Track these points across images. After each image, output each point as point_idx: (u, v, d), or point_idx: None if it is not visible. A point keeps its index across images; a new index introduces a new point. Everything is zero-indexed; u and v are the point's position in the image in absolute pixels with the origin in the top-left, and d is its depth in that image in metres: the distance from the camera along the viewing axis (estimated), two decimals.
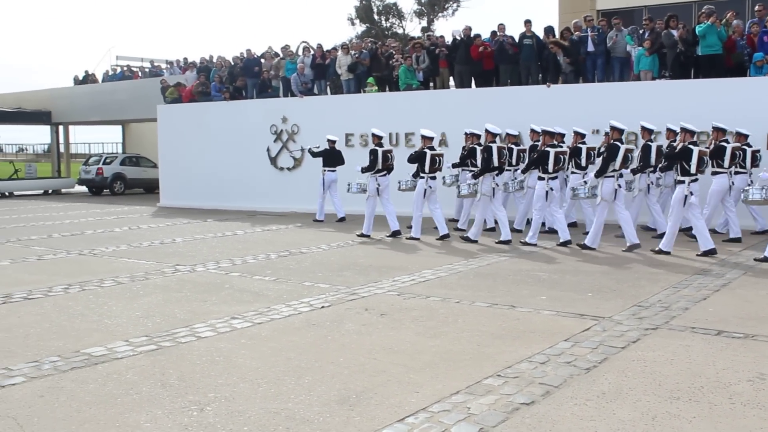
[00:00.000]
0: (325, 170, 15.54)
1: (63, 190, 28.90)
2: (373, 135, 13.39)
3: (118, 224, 15.75)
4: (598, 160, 11.18)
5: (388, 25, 45.37)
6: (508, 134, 13.43)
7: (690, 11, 19.88)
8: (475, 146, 12.04)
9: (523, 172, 12.58)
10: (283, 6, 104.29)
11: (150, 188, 26.48)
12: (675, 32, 14.38)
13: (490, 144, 11.81)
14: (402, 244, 12.08)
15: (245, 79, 20.30)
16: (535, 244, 11.43)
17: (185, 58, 25.50)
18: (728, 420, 4.26)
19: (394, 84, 17.70)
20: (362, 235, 12.81)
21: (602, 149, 11.58)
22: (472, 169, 12.16)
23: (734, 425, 4.19)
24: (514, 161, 13.09)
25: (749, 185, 11.12)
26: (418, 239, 12.43)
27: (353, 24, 45.20)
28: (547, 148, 11.45)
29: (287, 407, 4.54)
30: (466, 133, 12.95)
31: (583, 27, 15.75)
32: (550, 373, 5.13)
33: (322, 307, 7.37)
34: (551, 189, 11.45)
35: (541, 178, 11.53)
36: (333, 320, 6.80)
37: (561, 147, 11.71)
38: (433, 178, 12.45)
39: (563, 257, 10.46)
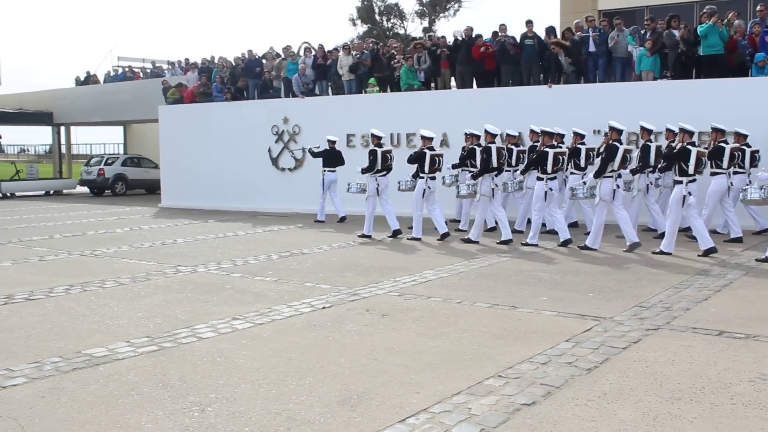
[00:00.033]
0: (325, 170, 15.55)
1: (64, 191, 28.92)
2: (373, 135, 13.41)
3: (120, 225, 15.76)
4: (597, 161, 11.18)
5: (390, 25, 45.38)
6: (507, 135, 13.44)
7: (691, 11, 19.87)
8: (475, 147, 12.04)
9: (522, 172, 12.59)
10: (284, 7, 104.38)
11: (151, 189, 26.50)
12: (676, 32, 14.37)
13: (489, 145, 11.82)
14: (403, 245, 12.08)
15: (247, 79, 20.31)
16: (536, 245, 11.43)
17: (187, 59, 25.52)
18: (729, 421, 4.26)
19: (396, 84, 17.71)
20: (363, 236, 12.82)
21: (601, 150, 11.60)
22: (472, 169, 12.17)
23: (736, 426, 4.19)
24: (513, 162, 13.10)
25: (747, 185, 11.12)
26: (419, 240, 12.44)
27: (354, 24, 45.24)
28: (546, 149, 11.46)
29: (288, 408, 4.54)
30: (466, 134, 12.96)
31: (584, 27, 15.74)
32: (551, 374, 5.13)
33: (324, 307, 7.37)
34: (550, 189, 11.46)
35: (540, 179, 11.54)
36: (334, 321, 6.80)
37: (560, 148, 11.72)
38: (433, 178, 12.46)
39: (564, 258, 10.46)
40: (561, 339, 6.03)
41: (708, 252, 10.29)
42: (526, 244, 11.49)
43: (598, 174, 10.82)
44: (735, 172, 11.65)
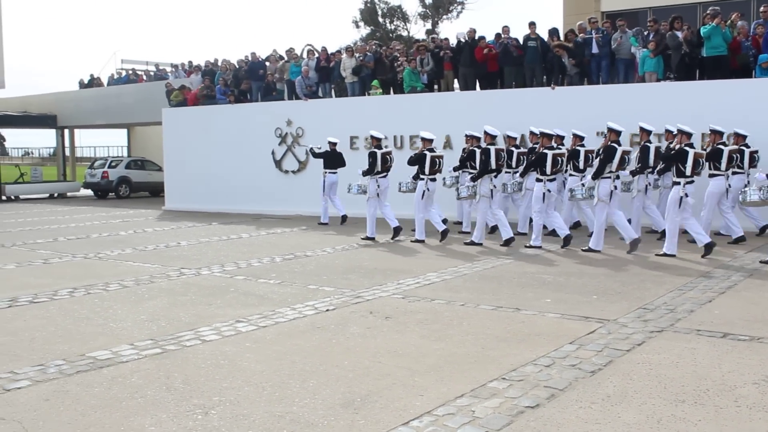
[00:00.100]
0: (326, 172, 15.58)
1: (68, 194, 28.97)
2: (372, 137, 13.44)
3: (124, 227, 15.78)
4: (596, 162, 11.20)
5: (393, 27, 45.35)
6: (507, 136, 13.45)
7: (695, 12, 19.84)
8: (475, 148, 12.05)
9: (522, 174, 12.62)
10: (287, 9, 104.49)
11: (155, 191, 26.52)
12: (680, 33, 14.36)
13: (488, 146, 11.83)
14: (406, 247, 12.08)
15: (250, 82, 20.34)
16: (539, 247, 11.43)
17: (190, 62, 25.56)
18: (734, 423, 4.25)
19: (399, 86, 17.72)
20: (366, 238, 12.82)
21: (600, 151, 11.61)
22: (472, 171, 12.18)
23: (740, 428, 4.18)
24: (513, 163, 13.12)
25: (746, 186, 11.13)
26: (422, 242, 12.44)
27: (358, 26, 45.20)
28: (545, 150, 11.48)
29: (292, 411, 4.54)
30: (466, 135, 12.97)
31: (587, 29, 15.73)
32: (555, 376, 5.12)
33: (327, 310, 7.38)
34: (548, 191, 11.47)
35: (539, 180, 11.55)
36: (338, 323, 6.80)
37: (559, 149, 11.73)
38: (433, 180, 12.48)
39: (567, 260, 10.45)
40: (565, 341, 6.03)
41: (708, 248, 10.30)
42: (530, 247, 11.48)
43: (596, 175, 10.85)
44: (734, 173, 11.65)
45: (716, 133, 11.31)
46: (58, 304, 7.80)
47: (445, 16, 45.04)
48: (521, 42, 16.15)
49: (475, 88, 16.96)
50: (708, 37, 13.79)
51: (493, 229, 13.02)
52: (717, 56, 13.89)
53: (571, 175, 12.29)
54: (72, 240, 13.57)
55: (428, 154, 12.34)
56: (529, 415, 4.40)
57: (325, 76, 18.98)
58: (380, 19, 45.21)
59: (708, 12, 14.21)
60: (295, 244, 12.56)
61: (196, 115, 20.85)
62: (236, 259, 10.83)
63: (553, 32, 16.20)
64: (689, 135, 10.52)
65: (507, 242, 11.78)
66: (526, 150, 13.42)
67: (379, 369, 5.37)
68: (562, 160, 11.68)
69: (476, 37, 16.63)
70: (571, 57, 15.49)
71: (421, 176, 12.47)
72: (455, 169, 13.36)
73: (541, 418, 4.35)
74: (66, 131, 31.98)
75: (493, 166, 11.77)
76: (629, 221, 11.65)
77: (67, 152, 32.97)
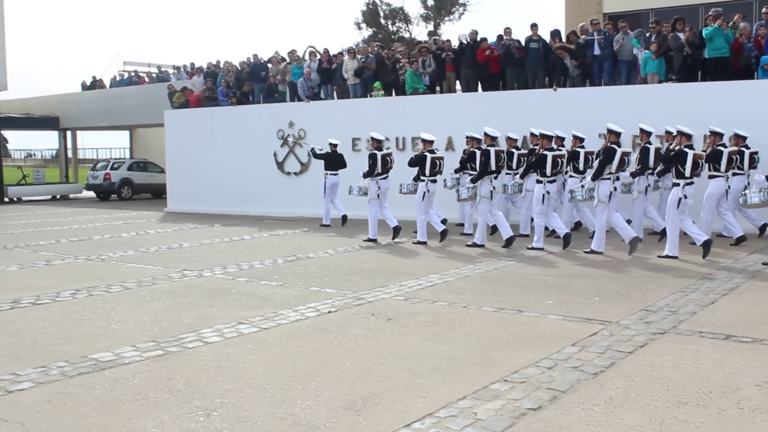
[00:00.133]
0: (327, 173, 15.60)
1: (71, 196, 29.00)
2: (372, 139, 13.47)
3: (126, 229, 15.80)
4: (596, 163, 11.22)
5: (395, 29, 45.37)
6: (509, 138, 13.46)
7: (697, 14, 19.83)
8: (475, 150, 12.06)
9: (522, 175, 12.62)
10: (289, 11, 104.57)
11: (157, 193, 26.55)
12: (682, 35, 14.35)
13: (488, 148, 11.84)
14: (408, 249, 12.08)
15: (252, 84, 20.35)
16: (541, 249, 11.42)
17: (192, 64, 25.60)
18: (736, 425, 4.24)
19: (401, 88, 17.72)
20: (369, 240, 12.83)
21: (600, 152, 11.62)
22: (472, 172, 12.19)
23: (742, 431, 4.17)
24: (514, 165, 13.12)
25: (746, 188, 11.14)
26: (424, 243, 12.44)
27: (360, 28, 45.22)
28: (545, 152, 11.49)
29: (294, 412, 4.54)
30: (467, 137, 12.98)
31: (589, 30, 15.73)
32: (557, 378, 5.12)
33: (329, 312, 7.37)
34: (548, 192, 11.48)
35: (539, 182, 11.56)
36: (340, 325, 6.80)
37: (559, 150, 11.74)
38: (434, 181, 12.49)
39: (569, 261, 10.44)
40: (567, 343, 6.02)
41: (705, 246, 10.32)
42: (532, 248, 11.48)
43: (596, 176, 10.87)
44: (734, 174, 11.64)
45: (716, 135, 11.33)
46: (60, 306, 7.81)
47: (447, 18, 45.06)
48: (523, 43, 16.16)
49: (477, 90, 16.97)
50: (710, 38, 13.79)
51: (494, 230, 13.02)
52: (719, 58, 13.89)
53: (571, 176, 12.30)
54: (74, 242, 13.58)
55: (428, 156, 12.36)
56: (531, 417, 4.40)
57: (327, 77, 19.00)
58: (382, 21, 45.23)
59: (710, 13, 14.20)
60: (297, 246, 12.56)
61: (198, 117, 20.88)
62: (238, 261, 10.84)
63: (555, 34, 16.21)
64: (689, 136, 10.53)
65: (508, 242, 11.79)
66: (526, 151, 13.43)
67: (381, 371, 5.37)
68: (562, 162, 11.69)
69: (478, 39, 16.63)
70: (573, 58, 15.49)
71: (422, 177, 12.49)
72: (456, 171, 13.37)
73: (543, 420, 4.35)
74: (68, 133, 32.03)
75: (493, 167, 11.78)
76: (628, 222, 11.65)
77: (70, 154, 33.04)
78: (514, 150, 13.27)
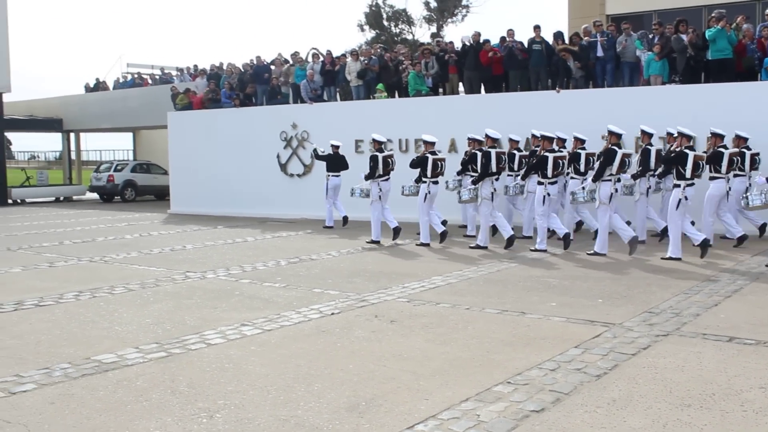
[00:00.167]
0: (329, 175, 15.61)
1: (74, 197, 29.06)
2: (374, 140, 13.48)
3: (129, 231, 15.82)
4: (597, 164, 11.22)
5: (398, 31, 45.39)
6: (510, 139, 13.45)
7: (700, 15, 19.80)
8: (476, 152, 12.07)
9: (523, 177, 12.62)
10: (292, 13, 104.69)
11: (161, 195, 26.59)
12: (685, 37, 14.33)
13: (489, 149, 11.84)
14: (411, 251, 12.08)
15: (255, 85, 20.37)
16: (544, 250, 11.41)
17: (195, 65, 25.64)
18: (740, 428, 4.23)
19: (404, 90, 17.72)
20: (372, 242, 12.83)
21: (601, 154, 11.61)
22: (473, 174, 12.19)
23: None
24: (516, 166, 13.12)
25: (747, 190, 11.13)
26: (427, 245, 12.44)
27: (363, 30, 45.26)
28: (546, 153, 11.49)
29: (297, 414, 4.54)
30: (468, 139, 12.98)
31: (592, 32, 15.72)
32: (560, 380, 5.11)
33: (332, 314, 7.37)
34: (548, 194, 11.47)
35: (540, 183, 11.56)
36: (343, 327, 6.80)
37: (560, 152, 11.74)
38: (435, 182, 12.49)
39: (572, 263, 10.43)
40: (570, 345, 6.01)
41: (703, 246, 10.33)
42: (535, 250, 11.47)
43: (596, 178, 10.87)
44: (735, 175, 11.63)
45: (717, 136, 11.33)
46: (63, 308, 7.82)
47: (449, 20, 45.06)
48: (526, 45, 16.15)
49: (480, 92, 16.96)
50: (713, 40, 13.77)
51: (494, 231, 13.01)
52: (722, 59, 13.86)
53: (572, 178, 12.30)
54: (78, 243, 13.60)
55: (430, 157, 12.37)
56: (534, 420, 4.39)
57: (330, 79, 19.01)
58: (385, 23, 45.25)
59: (713, 15, 14.19)
60: (300, 248, 12.57)
61: (201, 119, 20.90)
62: (241, 263, 10.84)
63: (558, 35, 16.20)
64: (689, 137, 10.54)
65: (509, 242, 11.80)
66: (527, 153, 13.43)
67: (384, 373, 5.37)
68: (563, 163, 11.68)
69: (481, 41, 16.63)
70: (576, 60, 15.48)
71: (423, 179, 12.49)
72: (459, 173, 13.37)
73: (546, 423, 4.34)
74: (72, 135, 32.11)
75: (494, 169, 11.78)
76: (628, 223, 11.64)
77: (73, 156, 33.10)
78: (515, 151, 13.28)
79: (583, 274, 9.55)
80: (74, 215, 20.72)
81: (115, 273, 10.10)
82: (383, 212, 13.08)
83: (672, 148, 11.43)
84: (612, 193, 10.85)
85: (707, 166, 10.93)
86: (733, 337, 6.19)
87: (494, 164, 11.74)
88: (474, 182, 12.02)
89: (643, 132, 11.91)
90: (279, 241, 13.70)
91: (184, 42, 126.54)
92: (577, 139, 12.22)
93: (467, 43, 16.91)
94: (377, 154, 13.05)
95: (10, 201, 26.73)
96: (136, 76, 29.56)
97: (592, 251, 11.08)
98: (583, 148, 12.20)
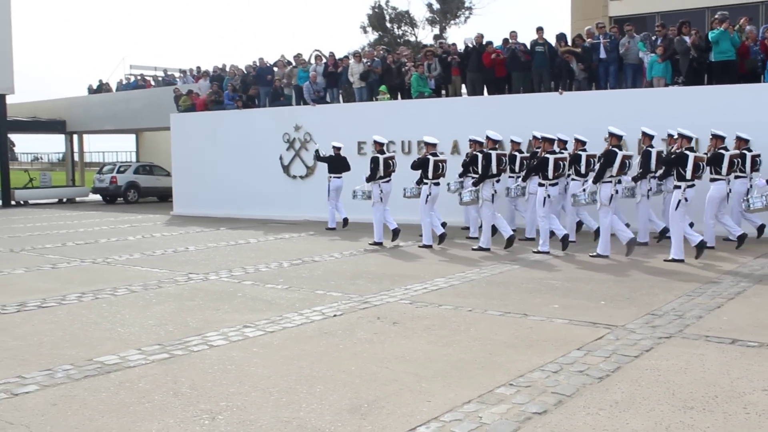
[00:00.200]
0: (331, 177, 15.62)
1: (77, 199, 29.11)
2: (375, 142, 13.50)
3: (132, 233, 15.83)
4: (597, 166, 11.22)
5: (401, 33, 45.44)
6: (512, 141, 13.45)
7: (703, 17, 19.81)
8: (477, 153, 12.07)
9: (524, 179, 12.62)
10: (295, 14, 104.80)
11: (163, 197, 26.63)
12: (688, 38, 14.33)
13: (490, 151, 11.85)
14: (414, 253, 12.08)
15: (258, 87, 20.40)
16: (547, 252, 11.40)
17: (198, 67, 25.66)
18: (743, 430, 4.22)
19: (406, 92, 17.74)
20: (374, 244, 12.84)
21: (601, 155, 11.61)
22: (474, 176, 12.19)
23: None
24: (517, 168, 13.12)
25: (748, 192, 11.12)
26: (430, 247, 12.44)
27: (365, 32, 45.32)
28: (547, 155, 11.49)
29: (299, 416, 4.54)
30: (470, 140, 12.99)
31: (595, 34, 15.73)
32: (562, 382, 5.10)
33: (335, 315, 7.37)
34: (548, 195, 11.47)
35: (541, 185, 11.56)
36: (345, 329, 6.79)
37: (561, 153, 11.73)
38: (437, 184, 12.50)
39: (575, 265, 10.42)
40: (572, 347, 6.01)
41: (699, 248, 10.34)
42: (537, 252, 11.47)
43: (597, 179, 10.87)
44: (736, 177, 11.62)
45: (717, 138, 11.34)
46: (66, 309, 7.83)
47: (452, 22, 45.10)
48: (529, 47, 16.14)
49: (482, 94, 16.96)
50: (716, 41, 13.76)
51: (494, 232, 12.99)
52: (725, 61, 13.85)
53: (573, 179, 12.30)
54: (80, 245, 13.62)
55: (431, 159, 12.37)
56: (537, 422, 4.39)
57: (332, 81, 19.02)
58: (388, 25, 45.31)
59: (716, 17, 14.18)
60: (302, 249, 12.57)
61: (204, 121, 20.93)
62: (244, 264, 10.85)
63: (561, 37, 16.19)
64: (690, 139, 10.54)
65: (509, 241, 11.81)
66: (528, 155, 13.42)
67: (387, 374, 5.36)
68: (564, 165, 11.68)
69: (484, 43, 16.64)
70: (579, 62, 15.48)
71: (425, 180, 12.49)
72: (460, 176, 13.37)
73: (548, 425, 4.34)
74: (75, 136, 32.16)
75: (495, 170, 11.78)
76: (627, 225, 11.63)
77: (76, 157, 33.16)
78: (516, 153, 13.27)
79: (586, 276, 9.54)
80: (77, 217, 20.75)
81: (118, 274, 10.11)
82: (383, 214, 13.08)
83: (672, 150, 11.43)
84: (612, 195, 10.85)
85: (708, 168, 10.93)
86: (736, 340, 6.17)
87: (494, 166, 11.74)
88: (474, 184, 12.02)
89: (644, 134, 11.90)
90: (281, 243, 13.71)
91: (187, 44, 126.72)
92: (577, 140, 12.23)
93: (470, 45, 16.90)
94: (378, 155, 13.06)
95: (13, 202, 26.76)
96: (139, 77, 29.60)
97: (594, 253, 11.07)
98: (584, 150, 12.21)
